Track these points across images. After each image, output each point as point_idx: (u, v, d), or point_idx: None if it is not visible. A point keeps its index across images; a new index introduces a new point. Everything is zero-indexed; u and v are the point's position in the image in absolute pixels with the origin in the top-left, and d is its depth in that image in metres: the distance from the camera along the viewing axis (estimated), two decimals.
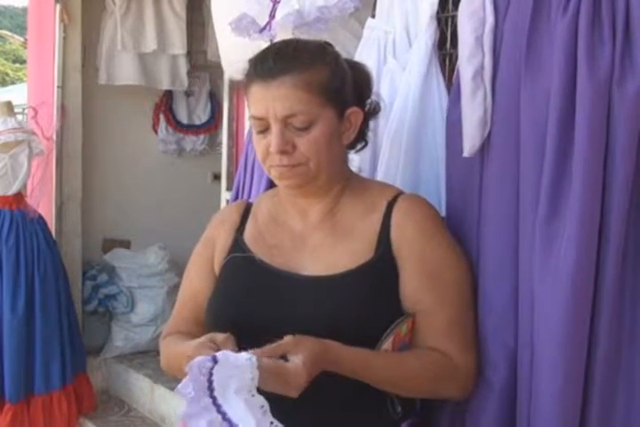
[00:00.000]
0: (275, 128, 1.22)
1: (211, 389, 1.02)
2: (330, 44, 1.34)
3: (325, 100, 1.23)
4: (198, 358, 1.04)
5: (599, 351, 1.16)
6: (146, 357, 3.90)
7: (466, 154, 1.29)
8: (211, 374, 1.02)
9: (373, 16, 1.69)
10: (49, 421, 3.35)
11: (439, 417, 1.38)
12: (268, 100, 1.21)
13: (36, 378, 3.31)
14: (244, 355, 1.04)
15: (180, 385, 1.03)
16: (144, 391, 3.69)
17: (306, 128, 1.22)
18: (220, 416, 1.02)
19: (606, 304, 1.15)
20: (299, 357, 1.08)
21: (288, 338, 1.11)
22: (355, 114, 1.29)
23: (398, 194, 1.33)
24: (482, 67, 1.26)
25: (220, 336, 1.14)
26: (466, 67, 1.27)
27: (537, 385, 1.18)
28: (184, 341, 1.29)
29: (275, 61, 1.22)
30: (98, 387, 3.77)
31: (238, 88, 3.03)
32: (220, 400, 1.02)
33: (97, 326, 4.05)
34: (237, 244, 1.36)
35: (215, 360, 1.03)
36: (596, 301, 1.15)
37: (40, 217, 3.49)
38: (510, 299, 1.26)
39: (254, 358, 1.04)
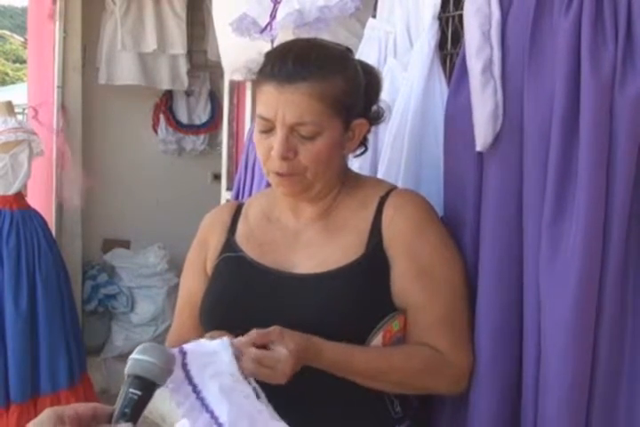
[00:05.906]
0: (280, 133, 1.20)
1: (189, 377, 1.02)
2: (351, 51, 1.32)
3: (336, 112, 1.21)
4: None
5: (602, 351, 1.16)
6: None
7: (479, 148, 1.27)
8: (185, 365, 1.02)
9: (374, 16, 1.69)
10: None
11: (439, 420, 1.37)
12: (279, 104, 1.19)
13: (41, 377, 3.31)
14: (216, 341, 1.05)
15: None
16: None
17: (311, 137, 1.20)
18: (198, 402, 1.02)
19: (610, 303, 1.15)
20: (286, 346, 1.09)
21: (274, 327, 1.12)
22: (360, 126, 1.28)
23: (391, 189, 1.31)
24: (490, 61, 1.24)
25: (216, 335, 1.14)
26: (474, 61, 1.25)
27: (545, 386, 1.17)
28: None
29: (294, 65, 1.19)
30: (98, 387, 3.77)
31: (238, 88, 3.03)
32: (200, 387, 1.02)
33: (97, 326, 4.06)
34: (229, 244, 1.35)
35: (183, 351, 1.03)
36: (600, 300, 1.15)
37: (40, 217, 3.49)
38: (511, 299, 1.25)
39: (226, 341, 1.05)
